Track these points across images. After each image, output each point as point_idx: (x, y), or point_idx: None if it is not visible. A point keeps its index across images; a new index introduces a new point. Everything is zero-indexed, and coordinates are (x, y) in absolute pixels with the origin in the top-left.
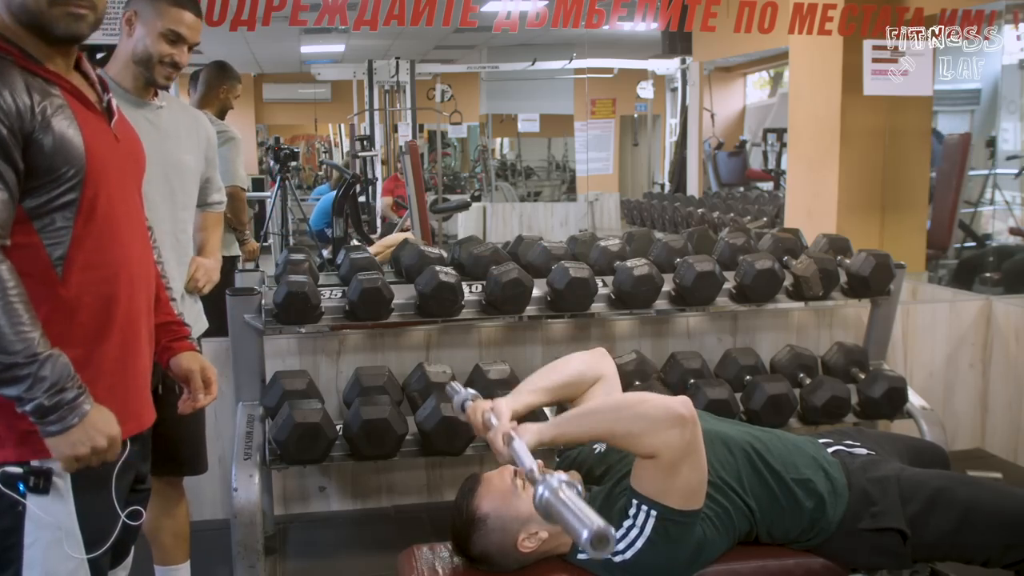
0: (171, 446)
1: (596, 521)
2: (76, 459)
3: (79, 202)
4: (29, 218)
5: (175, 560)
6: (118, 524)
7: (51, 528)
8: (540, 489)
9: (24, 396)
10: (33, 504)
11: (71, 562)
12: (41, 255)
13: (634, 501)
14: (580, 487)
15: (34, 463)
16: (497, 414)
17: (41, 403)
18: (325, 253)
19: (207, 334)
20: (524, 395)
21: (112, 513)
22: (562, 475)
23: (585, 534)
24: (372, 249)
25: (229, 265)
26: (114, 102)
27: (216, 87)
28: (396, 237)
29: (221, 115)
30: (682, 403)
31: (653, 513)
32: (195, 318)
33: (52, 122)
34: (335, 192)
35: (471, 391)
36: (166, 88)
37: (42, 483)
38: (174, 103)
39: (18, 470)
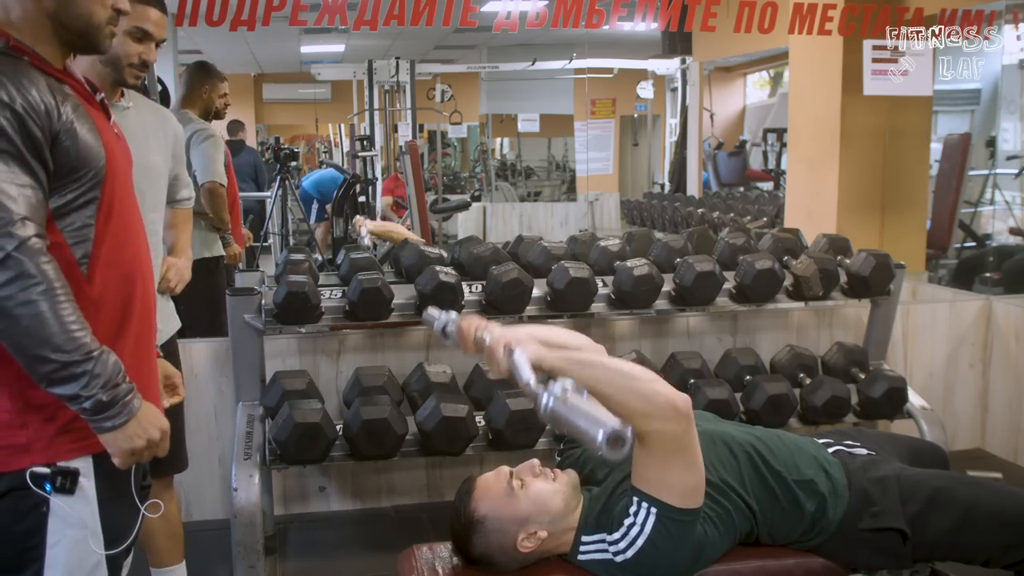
0: None
1: (609, 421)
2: (132, 452)
3: (100, 200)
4: (53, 217)
5: (171, 562)
6: (138, 522)
7: (76, 527)
8: (544, 398)
9: (82, 394)
10: (59, 503)
11: (92, 561)
12: (66, 254)
13: (635, 499)
14: (587, 394)
15: (61, 464)
16: (490, 331)
17: (99, 399)
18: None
19: (181, 334)
20: (523, 335)
21: (131, 510)
22: (567, 382)
23: (600, 435)
24: (370, 226)
25: (212, 265)
26: (107, 100)
27: (198, 87)
28: (396, 226)
29: (205, 115)
30: (684, 400)
31: (654, 511)
32: (167, 317)
33: (75, 123)
34: (336, 191)
35: (452, 313)
36: (135, 88)
37: (68, 483)
38: (140, 103)
39: (45, 470)
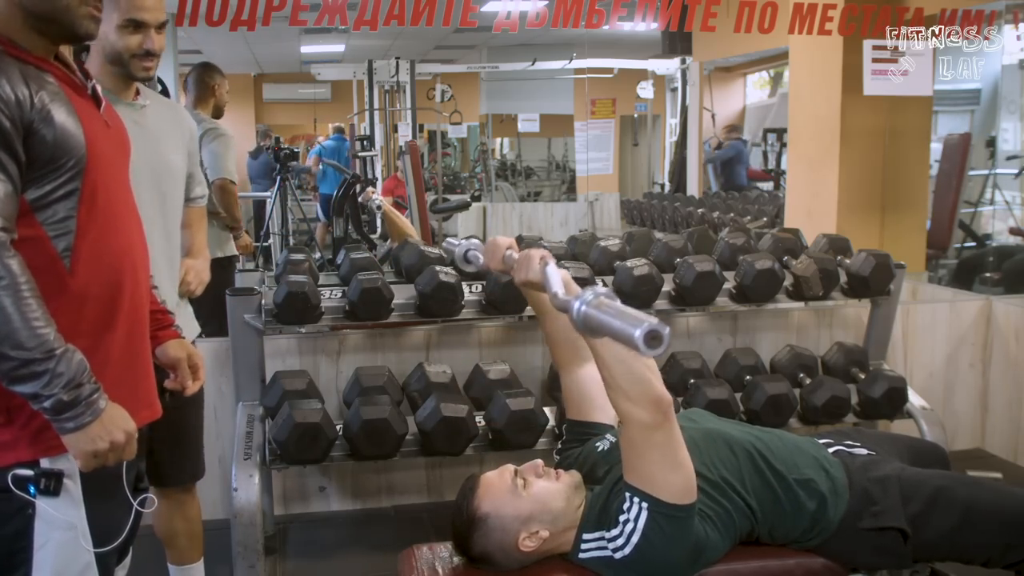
0: (177, 454)
1: (645, 319)
2: (94, 455)
3: (81, 191)
4: (32, 210)
5: (191, 559)
6: (128, 523)
7: (63, 529)
8: (576, 304)
9: (42, 392)
10: (44, 506)
11: (81, 562)
12: (47, 247)
13: (627, 494)
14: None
15: (44, 465)
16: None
17: (60, 399)
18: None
19: (200, 335)
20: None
21: (122, 512)
22: (599, 287)
23: (638, 333)
24: (383, 201)
25: (226, 263)
26: (99, 88)
27: (208, 85)
28: (403, 218)
29: (217, 114)
30: (667, 398)
31: (645, 506)
32: (187, 323)
33: (52, 111)
34: (336, 191)
35: (473, 239)
36: (147, 81)
37: (53, 485)
38: (156, 100)
39: (29, 472)
